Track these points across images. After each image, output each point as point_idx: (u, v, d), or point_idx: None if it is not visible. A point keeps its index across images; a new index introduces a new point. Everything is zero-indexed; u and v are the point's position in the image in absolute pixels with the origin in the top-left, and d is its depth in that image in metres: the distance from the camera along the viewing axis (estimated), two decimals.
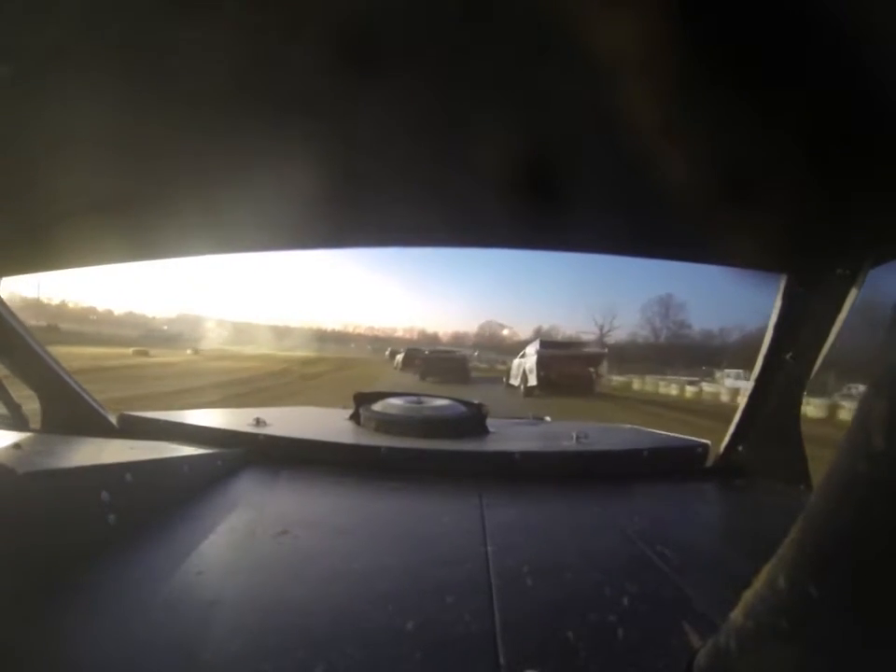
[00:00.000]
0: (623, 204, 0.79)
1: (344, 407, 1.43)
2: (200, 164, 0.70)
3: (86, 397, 1.07)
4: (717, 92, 0.50)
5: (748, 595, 0.28)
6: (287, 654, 0.40)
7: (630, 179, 0.69)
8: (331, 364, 18.33)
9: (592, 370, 10.91)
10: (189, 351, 19.84)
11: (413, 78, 0.53)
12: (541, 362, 10.01)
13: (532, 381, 9.93)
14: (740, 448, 1.04)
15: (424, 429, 1.15)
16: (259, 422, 1.09)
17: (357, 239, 1.02)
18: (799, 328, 0.93)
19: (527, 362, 10.59)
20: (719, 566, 0.61)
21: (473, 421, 1.23)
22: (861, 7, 0.38)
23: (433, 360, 13.01)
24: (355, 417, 1.26)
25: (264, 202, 0.81)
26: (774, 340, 0.96)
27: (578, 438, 1.08)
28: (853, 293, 0.86)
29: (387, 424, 1.16)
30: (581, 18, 0.42)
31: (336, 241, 1.04)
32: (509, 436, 1.22)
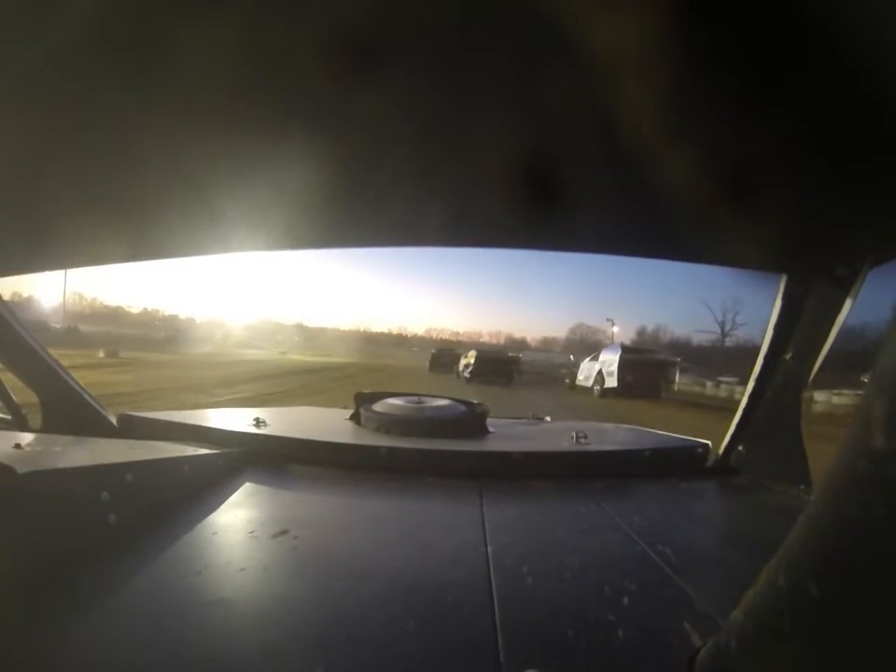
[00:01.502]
0: (623, 204, 0.79)
1: (345, 407, 1.43)
2: (199, 164, 0.70)
3: (86, 397, 1.07)
4: (717, 93, 0.50)
5: (748, 595, 0.28)
6: (287, 654, 0.40)
7: (630, 179, 0.68)
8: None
9: (664, 376, 11.51)
10: (101, 353, 14.51)
11: (413, 78, 0.53)
12: (623, 366, 10.46)
13: (611, 383, 10.39)
14: (740, 448, 1.04)
15: (424, 429, 1.15)
16: (259, 422, 1.09)
17: (358, 239, 1.02)
18: (799, 328, 0.93)
19: (605, 365, 11.06)
20: (719, 565, 0.61)
21: (473, 421, 1.23)
22: (862, 7, 0.38)
23: (484, 361, 12.55)
24: (355, 417, 1.26)
25: (265, 201, 0.81)
26: (774, 340, 0.96)
27: (578, 438, 1.08)
28: (853, 293, 0.86)
29: (388, 424, 1.16)
30: (582, 18, 0.42)
31: (336, 241, 1.04)
32: (509, 436, 1.22)
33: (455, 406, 1.30)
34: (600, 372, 11.15)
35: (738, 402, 1.06)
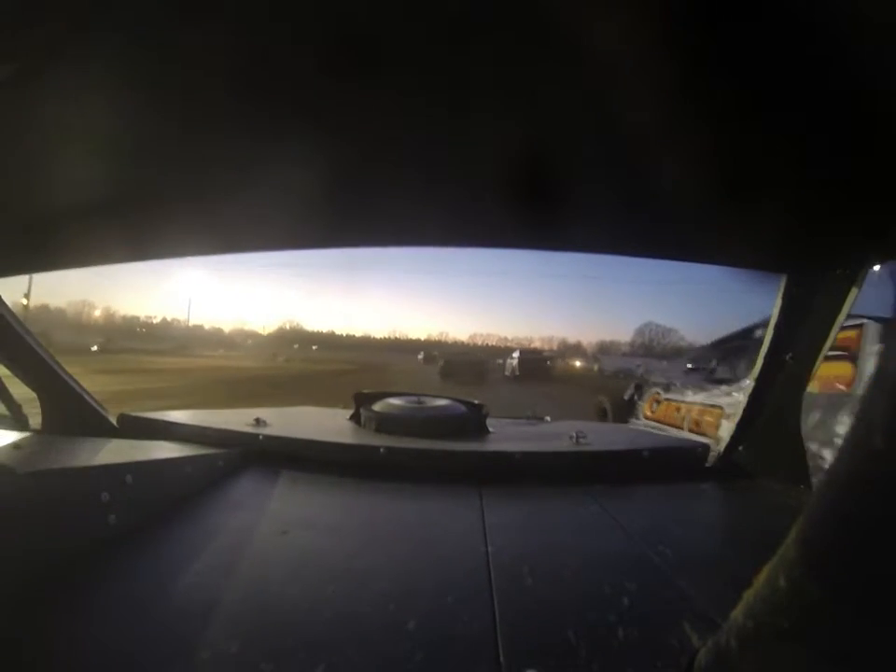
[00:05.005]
0: (623, 204, 0.79)
1: (345, 407, 1.43)
2: (200, 164, 0.70)
3: (86, 397, 1.07)
4: (717, 92, 0.50)
5: (748, 595, 0.28)
6: (287, 654, 0.40)
7: (630, 179, 0.68)
8: None
9: (546, 365, 19.34)
10: None
11: (413, 78, 0.53)
12: (520, 362, 18.36)
13: (517, 372, 17.72)
14: (740, 448, 1.04)
15: (424, 429, 1.15)
16: (259, 422, 1.09)
17: (357, 239, 1.02)
18: (799, 328, 0.93)
19: (514, 362, 18.95)
20: (719, 565, 0.61)
21: (473, 421, 1.23)
22: (861, 8, 0.38)
23: (452, 364, 15.77)
24: (355, 417, 1.26)
25: (264, 201, 0.81)
26: (774, 340, 0.96)
27: (577, 438, 1.08)
28: (853, 293, 0.86)
29: (387, 424, 1.16)
30: (582, 18, 0.42)
31: (336, 241, 1.04)
32: (509, 436, 1.22)
33: (455, 406, 1.29)
34: (513, 366, 18.75)
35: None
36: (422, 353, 32.15)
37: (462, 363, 15.80)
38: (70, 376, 1.07)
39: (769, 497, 0.91)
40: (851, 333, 2.41)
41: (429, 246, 1.03)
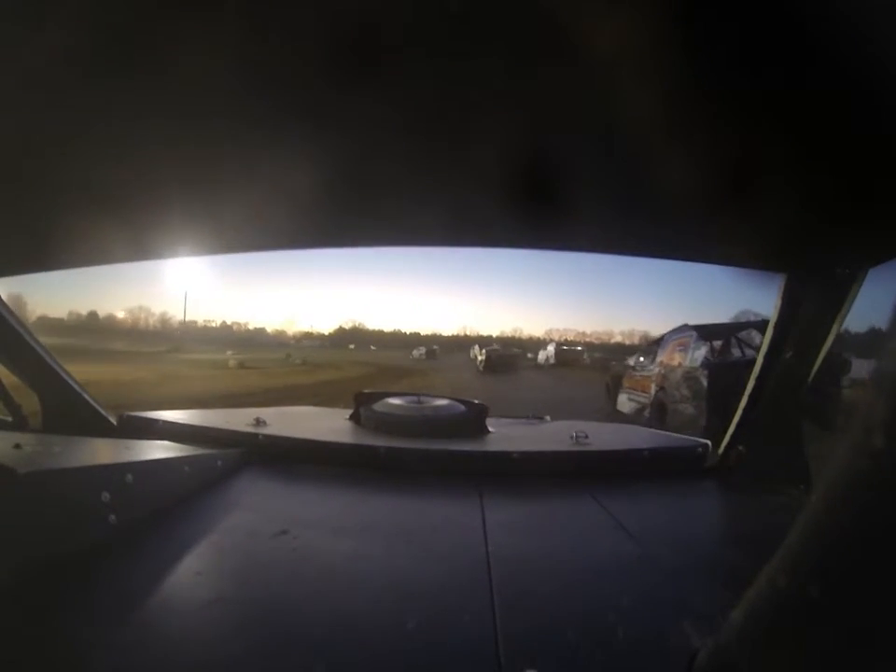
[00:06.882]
0: (623, 204, 0.79)
1: (345, 407, 1.43)
2: (200, 164, 0.70)
3: (86, 397, 1.07)
4: (717, 92, 0.50)
5: (748, 595, 0.28)
6: (287, 654, 0.40)
7: (630, 179, 0.68)
8: None
9: (577, 357, 22.28)
10: None
11: (413, 78, 0.53)
12: (557, 353, 21.65)
13: (553, 361, 20.95)
14: (740, 448, 1.04)
15: (424, 429, 1.15)
16: (258, 422, 1.09)
17: (357, 239, 1.03)
18: (799, 328, 0.93)
19: (549, 353, 22.25)
20: (719, 565, 0.61)
21: (473, 421, 1.23)
22: (861, 7, 0.38)
23: (492, 358, 19.71)
24: (355, 417, 1.26)
25: (265, 201, 0.81)
26: (774, 340, 0.96)
27: (577, 437, 1.08)
28: (853, 293, 0.86)
29: (387, 424, 1.16)
30: (582, 17, 0.42)
31: (336, 241, 1.04)
32: (509, 435, 1.22)
33: (455, 406, 1.29)
34: (547, 356, 22.15)
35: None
36: (423, 348, 33.15)
37: (500, 356, 19.99)
38: (70, 376, 1.07)
39: (769, 497, 0.91)
40: (687, 339, 5.72)
41: (429, 246, 1.03)
